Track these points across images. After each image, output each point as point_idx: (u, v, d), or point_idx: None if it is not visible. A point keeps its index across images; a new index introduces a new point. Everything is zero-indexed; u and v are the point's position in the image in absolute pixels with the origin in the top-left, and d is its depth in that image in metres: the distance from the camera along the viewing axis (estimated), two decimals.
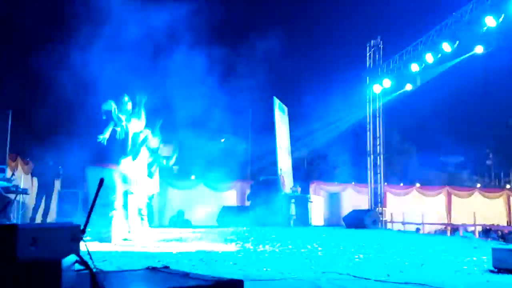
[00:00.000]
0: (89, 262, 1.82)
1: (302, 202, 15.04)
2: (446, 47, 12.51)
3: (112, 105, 7.55)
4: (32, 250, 1.68)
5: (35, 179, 13.01)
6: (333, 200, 18.94)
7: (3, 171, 11.92)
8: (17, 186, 10.92)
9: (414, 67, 13.98)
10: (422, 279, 3.70)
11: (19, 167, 13.85)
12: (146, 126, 8.56)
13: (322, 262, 4.82)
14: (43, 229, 1.81)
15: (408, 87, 15.68)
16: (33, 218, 12.09)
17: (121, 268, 3.48)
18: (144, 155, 8.41)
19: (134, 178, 7.99)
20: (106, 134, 7.25)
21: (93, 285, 1.64)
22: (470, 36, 12.03)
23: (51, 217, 12.59)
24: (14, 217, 11.64)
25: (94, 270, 1.76)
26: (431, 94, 22.51)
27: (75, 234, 1.91)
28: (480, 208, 20.28)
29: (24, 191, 11.38)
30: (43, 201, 12.32)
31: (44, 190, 12.36)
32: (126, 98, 7.96)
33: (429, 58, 13.26)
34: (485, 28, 11.27)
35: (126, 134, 7.77)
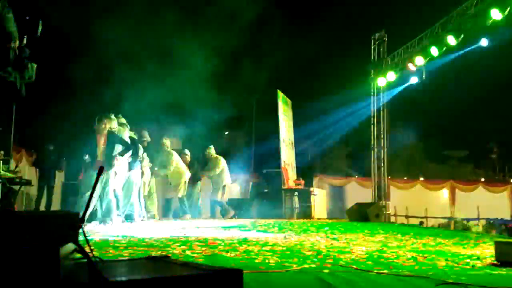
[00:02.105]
0: (88, 251, 1.82)
1: (305, 195, 15.05)
2: (451, 40, 12.43)
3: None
4: (29, 238, 1.68)
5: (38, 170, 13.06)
6: (337, 194, 18.96)
7: (7, 162, 11.96)
8: (20, 178, 10.96)
9: (419, 60, 13.91)
10: (424, 272, 3.69)
11: (24, 159, 13.90)
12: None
13: (325, 255, 4.82)
14: (40, 217, 1.81)
15: (413, 80, 15.60)
16: (36, 208, 12.14)
17: None
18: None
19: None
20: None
21: (92, 273, 1.63)
22: (475, 29, 11.95)
23: (55, 209, 12.62)
24: (18, 208, 11.68)
25: (93, 258, 1.75)
26: (435, 87, 22.42)
27: (74, 222, 1.91)
28: (484, 202, 20.26)
29: (28, 183, 11.43)
30: (45, 191, 12.39)
31: (45, 181, 12.43)
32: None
33: (434, 51, 13.19)
34: (490, 21, 11.18)
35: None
